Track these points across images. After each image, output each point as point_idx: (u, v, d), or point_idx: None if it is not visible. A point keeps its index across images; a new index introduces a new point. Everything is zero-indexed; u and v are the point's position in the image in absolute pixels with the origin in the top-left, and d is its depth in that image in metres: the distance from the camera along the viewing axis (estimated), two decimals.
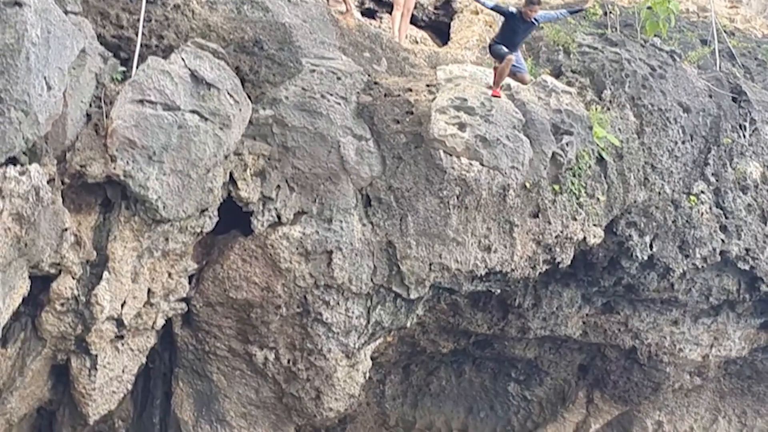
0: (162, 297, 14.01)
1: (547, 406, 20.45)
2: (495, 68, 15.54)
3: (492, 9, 15.69)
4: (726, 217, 18.07)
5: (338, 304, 14.76)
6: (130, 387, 14.31)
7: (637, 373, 19.61)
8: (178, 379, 15.11)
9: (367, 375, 15.84)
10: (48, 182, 11.95)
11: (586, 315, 18.48)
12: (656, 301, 18.35)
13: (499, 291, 16.64)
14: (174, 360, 15.10)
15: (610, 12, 18.60)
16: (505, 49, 15.13)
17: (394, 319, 15.56)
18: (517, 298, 17.45)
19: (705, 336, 19.32)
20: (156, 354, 14.85)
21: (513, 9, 15.37)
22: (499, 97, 15.22)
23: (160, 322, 14.21)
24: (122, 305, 13.36)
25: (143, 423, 15.31)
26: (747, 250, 18.16)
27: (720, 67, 19.09)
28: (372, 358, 16.03)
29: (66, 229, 12.50)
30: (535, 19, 15.46)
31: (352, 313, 14.91)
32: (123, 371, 13.98)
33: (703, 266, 17.85)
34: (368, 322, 15.16)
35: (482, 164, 15.03)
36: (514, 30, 15.37)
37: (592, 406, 20.47)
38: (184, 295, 14.39)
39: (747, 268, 18.30)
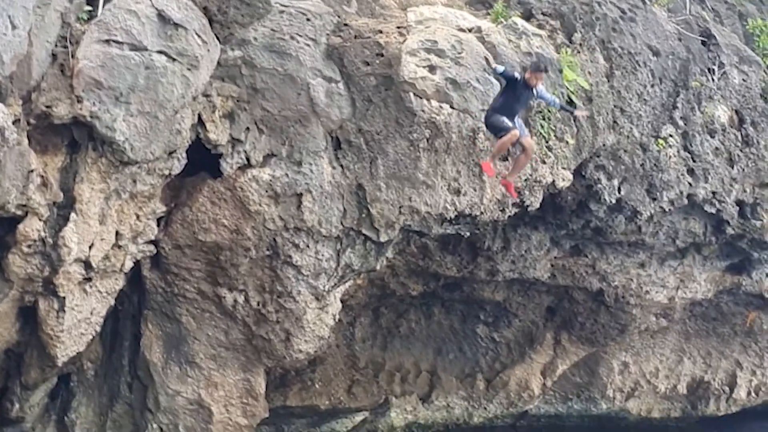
0: (130, 239, 13.96)
1: (515, 347, 20.64)
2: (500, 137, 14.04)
3: (500, 75, 14.26)
4: (693, 161, 18.18)
5: (308, 246, 14.79)
6: (98, 329, 14.30)
7: (604, 315, 19.83)
8: (147, 321, 15.12)
9: (337, 317, 15.95)
10: (13, 123, 11.86)
11: (555, 258, 18.64)
12: (623, 244, 18.53)
13: (468, 234, 16.73)
14: (143, 302, 15.11)
15: None
16: (507, 122, 13.77)
17: (364, 261, 15.63)
18: (486, 241, 17.54)
19: (671, 278, 19.57)
20: (124, 296, 14.85)
21: (518, 74, 14.16)
22: (492, 173, 14.45)
23: (129, 264, 14.19)
24: (90, 247, 13.31)
25: (112, 364, 15.37)
26: (714, 193, 18.34)
27: (690, 11, 19.13)
28: (341, 301, 16.12)
29: (32, 171, 12.43)
30: (536, 89, 14.30)
31: (322, 255, 14.95)
32: (91, 313, 13.95)
33: (670, 209, 18.00)
34: (338, 264, 15.21)
35: (452, 107, 15.07)
36: (516, 97, 13.99)
37: (560, 347, 20.72)
38: (153, 238, 14.37)
39: (713, 211, 18.51)
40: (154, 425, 15.29)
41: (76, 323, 13.73)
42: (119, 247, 13.83)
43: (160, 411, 15.19)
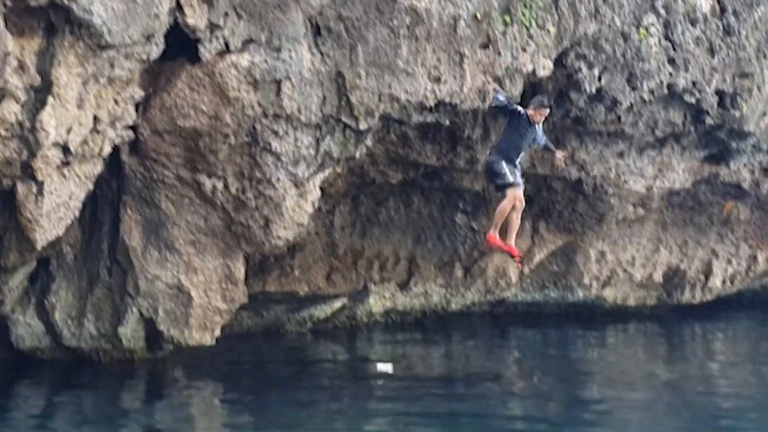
0: (108, 124, 13.90)
1: None
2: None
3: (501, 107, 13.41)
4: (674, 50, 18.11)
5: (287, 134, 14.79)
6: (77, 214, 14.35)
7: (582, 204, 20.00)
8: (126, 206, 15.15)
9: (316, 205, 16.03)
10: None
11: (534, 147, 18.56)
12: (603, 133, 18.59)
13: (448, 123, 16.73)
14: (122, 188, 15.12)
15: None
16: (509, 175, 12.89)
17: (344, 149, 15.67)
18: (466, 130, 17.52)
19: (650, 168, 19.67)
20: (103, 181, 14.85)
21: (521, 108, 13.13)
22: (503, 245, 13.57)
23: (107, 149, 14.16)
24: (68, 131, 13.25)
25: (91, 249, 15.49)
26: (694, 83, 18.33)
27: None
28: (321, 189, 16.17)
29: (9, 53, 12.28)
30: (538, 126, 13.30)
31: (301, 143, 14.96)
32: (70, 198, 13.96)
33: (650, 99, 18.01)
34: (317, 152, 15.24)
35: None
36: (521, 134, 13.02)
37: (538, 236, 20.91)
38: (131, 123, 14.30)
39: (693, 101, 18.54)
40: (134, 309, 15.46)
41: (55, 207, 13.74)
42: (97, 131, 13.77)
43: (139, 295, 15.34)
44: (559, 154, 14.18)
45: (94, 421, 13.30)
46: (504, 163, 12.91)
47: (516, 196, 12.90)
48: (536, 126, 13.18)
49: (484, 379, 15.68)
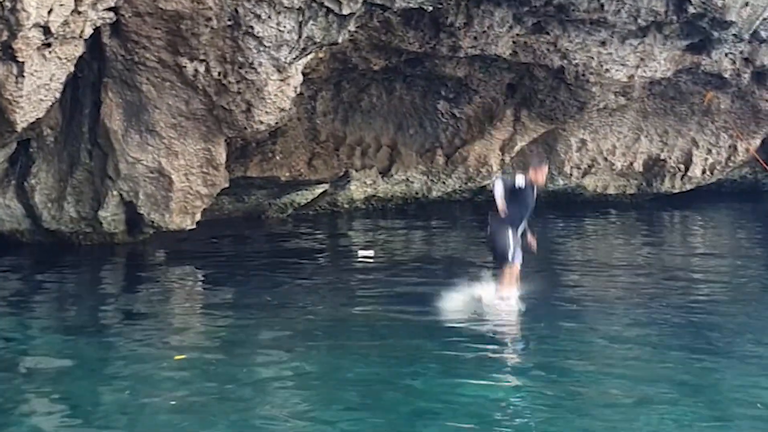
0: (89, 5, 13.69)
1: (475, 123, 20.90)
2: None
3: (501, 194, 12.41)
4: None
5: (270, 17, 14.70)
6: (58, 96, 14.37)
7: (564, 92, 20.05)
8: (107, 89, 15.16)
9: (298, 90, 16.03)
10: None
11: (517, 35, 18.60)
12: (586, 21, 18.50)
13: (431, 8, 16.66)
14: (103, 70, 15.11)
15: None
16: (511, 251, 12.25)
17: (326, 34, 15.58)
18: (449, 16, 17.45)
19: (631, 57, 19.66)
20: (85, 64, 14.84)
21: (519, 182, 12.43)
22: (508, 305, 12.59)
23: (88, 31, 14.05)
24: (49, 12, 13.03)
25: (72, 131, 15.59)
26: None
27: None
28: (303, 74, 16.15)
29: None
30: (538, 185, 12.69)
31: (284, 27, 14.87)
32: (50, 79, 13.95)
33: None
34: (300, 36, 15.17)
35: None
36: (524, 201, 12.45)
37: (519, 124, 20.98)
38: (113, 5, 14.11)
39: None
40: (114, 192, 15.62)
41: (36, 89, 13.76)
42: (78, 12, 13.57)
43: (120, 178, 15.49)
44: (530, 240, 13.59)
45: (73, 302, 13.42)
46: (510, 235, 12.33)
47: (514, 271, 12.41)
48: (536, 188, 12.60)
49: (464, 264, 15.75)
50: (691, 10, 18.79)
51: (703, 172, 24.06)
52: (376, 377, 9.33)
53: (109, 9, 14.16)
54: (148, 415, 8.14)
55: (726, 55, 21.03)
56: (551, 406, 8.32)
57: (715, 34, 19.91)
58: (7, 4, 12.66)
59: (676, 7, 18.79)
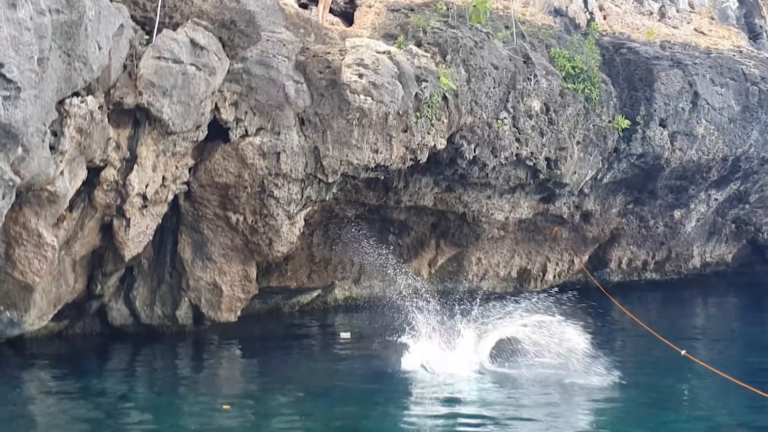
0: (171, 181, 14.03)
1: (412, 249, 20.52)
2: None
3: None
4: (519, 133, 18.16)
5: (284, 186, 14.80)
6: (150, 238, 14.36)
7: (466, 228, 19.85)
8: (181, 233, 15.07)
9: (301, 230, 15.93)
10: (98, 108, 11.96)
11: (436, 193, 18.62)
12: (477, 184, 18.53)
13: (383, 177, 16.80)
14: (179, 221, 15.06)
15: (450, 8, 18.41)
16: None
17: (318, 195, 15.70)
18: (395, 182, 17.52)
19: (506, 205, 19.69)
20: (167, 217, 14.83)
21: None
22: None
23: (170, 197, 14.24)
24: (146, 186, 13.41)
25: (159, 260, 15.40)
26: (531, 153, 18.43)
27: (516, 42, 19.06)
28: (304, 219, 16.07)
29: (110, 138, 12.52)
30: None
31: (292, 191, 14.96)
32: (146, 228, 14.01)
33: (505, 163, 18.10)
34: (302, 197, 15.23)
35: (373, 99, 15.13)
36: None
37: (439, 248, 20.68)
38: (186, 180, 14.38)
39: (531, 164, 18.62)
40: (186, 299, 15.39)
41: (137, 234, 13.82)
42: (164, 186, 13.92)
43: (189, 290, 15.28)
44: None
45: (162, 366, 13.43)
46: None
47: None
48: None
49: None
50: (542, 176, 19.09)
51: (554, 277, 23.46)
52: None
53: (184, 183, 14.41)
54: None
55: (564, 203, 21.03)
56: None
57: (557, 191, 20.08)
58: (120, 182, 13.01)
59: (532, 176, 19.08)
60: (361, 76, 15.12)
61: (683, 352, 13.16)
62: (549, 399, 10.97)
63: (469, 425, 9.53)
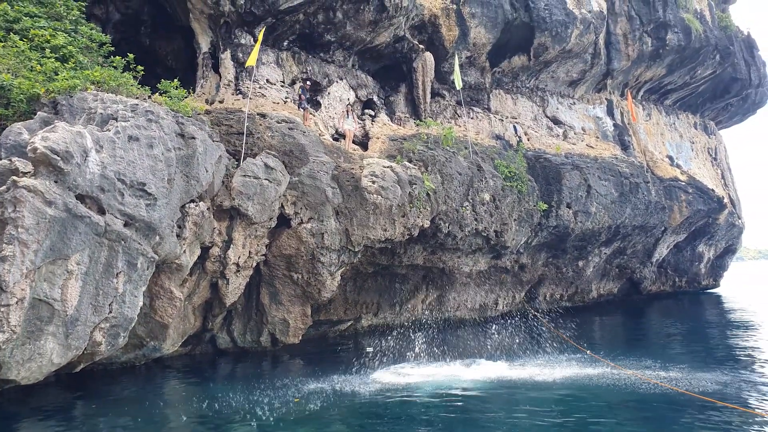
0: (255, 254, 13.97)
1: (410, 292, 20.14)
2: None
3: None
4: (476, 215, 18.20)
5: (326, 254, 14.73)
6: (242, 290, 14.22)
7: (446, 277, 19.69)
8: (261, 287, 14.94)
9: (338, 282, 15.76)
10: (207, 209, 12.04)
11: (425, 256, 18.55)
12: (451, 249, 18.49)
13: (390, 246, 16.74)
14: (260, 279, 14.95)
15: (429, 137, 18.64)
16: None
17: (349, 259, 15.55)
18: (397, 249, 17.49)
19: (470, 262, 19.51)
20: (252, 277, 14.74)
21: None
22: None
23: (254, 264, 14.14)
24: (239, 258, 13.36)
25: (248, 304, 15.18)
26: (485, 228, 18.40)
27: (471, 157, 19.19)
28: (341, 275, 16.02)
29: (214, 228, 12.57)
30: None
31: (332, 258, 14.87)
32: (239, 285, 13.91)
33: (468, 235, 18.09)
34: (338, 261, 15.13)
35: (382, 197, 15.22)
36: None
37: (428, 291, 20.36)
38: (264, 253, 14.30)
39: (485, 235, 18.58)
40: (266, 329, 15.09)
41: (234, 289, 13.69)
42: (250, 257, 13.81)
43: (268, 323, 15.02)
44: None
45: (253, 373, 12.95)
46: None
47: None
48: None
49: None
50: (493, 242, 18.99)
51: (503, 307, 22.67)
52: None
53: (263, 255, 14.26)
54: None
55: (507, 259, 20.92)
56: None
57: (502, 251, 20.00)
58: (221, 255, 12.93)
59: (486, 242, 18.98)
60: (374, 182, 15.29)
61: (588, 352, 12.70)
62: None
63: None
